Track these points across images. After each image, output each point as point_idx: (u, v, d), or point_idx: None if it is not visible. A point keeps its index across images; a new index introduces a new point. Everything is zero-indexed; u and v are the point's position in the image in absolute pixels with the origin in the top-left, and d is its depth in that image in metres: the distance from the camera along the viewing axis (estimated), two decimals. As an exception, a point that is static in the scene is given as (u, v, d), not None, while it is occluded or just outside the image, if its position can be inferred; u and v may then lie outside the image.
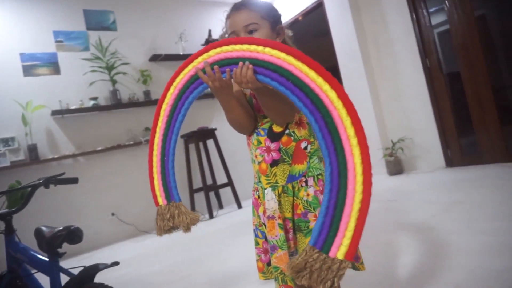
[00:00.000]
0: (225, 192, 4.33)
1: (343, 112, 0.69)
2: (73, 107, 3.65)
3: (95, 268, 1.22)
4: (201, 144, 4.18)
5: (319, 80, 0.70)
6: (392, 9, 3.90)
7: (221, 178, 4.29)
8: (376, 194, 3.21)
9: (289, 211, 0.94)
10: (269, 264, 0.99)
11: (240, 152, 4.69)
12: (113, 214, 3.76)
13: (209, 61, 0.83)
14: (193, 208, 4.10)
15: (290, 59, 0.73)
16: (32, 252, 1.36)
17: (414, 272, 1.52)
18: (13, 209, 1.43)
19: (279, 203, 0.94)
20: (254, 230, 1.04)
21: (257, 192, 1.02)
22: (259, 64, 0.77)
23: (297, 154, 0.95)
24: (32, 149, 3.41)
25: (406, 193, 3.00)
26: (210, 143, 4.24)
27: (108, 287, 1.19)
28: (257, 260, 1.04)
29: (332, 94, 0.70)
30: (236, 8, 0.98)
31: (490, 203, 2.22)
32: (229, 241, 2.73)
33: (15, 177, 3.11)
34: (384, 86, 4.13)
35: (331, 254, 0.67)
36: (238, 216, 3.70)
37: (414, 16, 3.73)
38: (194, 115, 4.43)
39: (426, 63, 3.74)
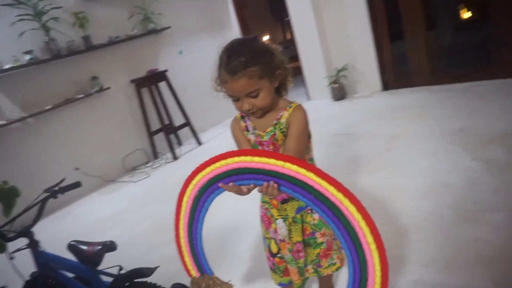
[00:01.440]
0: (182, 130, 4.46)
1: (362, 223, 0.79)
2: (7, 66, 3.32)
3: (140, 273, 1.47)
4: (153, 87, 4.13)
5: (339, 196, 0.78)
6: None
7: (177, 117, 4.38)
8: (324, 121, 3.63)
9: (299, 236, 1.11)
10: (271, 269, 1.23)
11: (191, 88, 4.73)
12: (76, 168, 3.79)
13: (227, 168, 0.90)
14: (154, 150, 4.26)
15: (311, 175, 0.79)
16: (67, 260, 1.54)
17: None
18: (31, 223, 1.55)
19: (289, 231, 1.11)
20: (264, 239, 1.24)
21: (268, 212, 1.16)
22: (280, 177, 0.83)
23: None
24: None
25: (352, 124, 3.44)
26: (162, 83, 4.20)
27: (155, 285, 1.47)
28: (267, 260, 1.25)
29: (352, 209, 0.79)
30: (232, 72, 0.97)
31: (422, 137, 2.72)
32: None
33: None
34: (329, 14, 4.24)
35: None
36: (202, 155, 3.97)
37: None
38: (140, 56, 4.26)
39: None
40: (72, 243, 1.51)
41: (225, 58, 0.99)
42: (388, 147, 2.73)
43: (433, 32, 4.55)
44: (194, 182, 0.97)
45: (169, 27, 4.40)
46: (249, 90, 0.98)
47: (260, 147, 1.10)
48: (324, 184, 0.79)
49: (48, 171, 3.56)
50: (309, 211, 1.13)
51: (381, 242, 0.79)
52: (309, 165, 0.81)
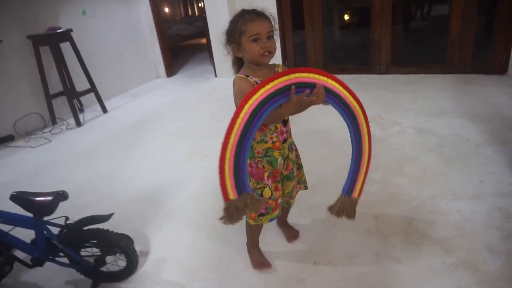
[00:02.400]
0: (85, 96, 4.23)
1: (359, 110, 1.19)
2: None
3: (94, 219, 1.54)
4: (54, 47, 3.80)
5: (350, 97, 1.16)
6: None
7: (80, 82, 4.13)
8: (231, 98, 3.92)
9: (284, 169, 1.42)
10: (261, 214, 1.44)
11: (96, 53, 4.48)
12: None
13: (297, 80, 1.08)
14: (52, 115, 3.96)
15: (340, 88, 1.14)
16: (7, 212, 1.51)
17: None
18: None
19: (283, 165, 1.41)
20: (252, 191, 1.41)
21: (260, 164, 1.35)
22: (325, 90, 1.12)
23: (290, 131, 1.40)
24: None
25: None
26: (65, 44, 3.89)
27: (108, 231, 1.55)
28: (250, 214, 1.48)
29: (355, 103, 1.17)
30: (259, 15, 1.21)
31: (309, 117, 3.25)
32: (123, 152, 3.03)
33: None
34: (240, -3, 4.51)
35: (352, 196, 1.26)
36: (108, 123, 3.88)
37: None
38: (38, 10, 3.84)
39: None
40: (16, 193, 1.49)
41: (251, 10, 1.22)
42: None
43: (326, 28, 5.25)
44: (255, 97, 1.05)
45: (73, -16, 4.07)
46: (270, 29, 1.21)
47: None
48: (345, 92, 1.16)
49: None
50: (291, 149, 1.44)
51: (368, 121, 1.23)
52: (341, 81, 1.14)
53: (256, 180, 1.39)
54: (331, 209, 1.29)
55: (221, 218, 1.09)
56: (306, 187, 1.60)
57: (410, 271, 1.46)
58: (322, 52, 4.50)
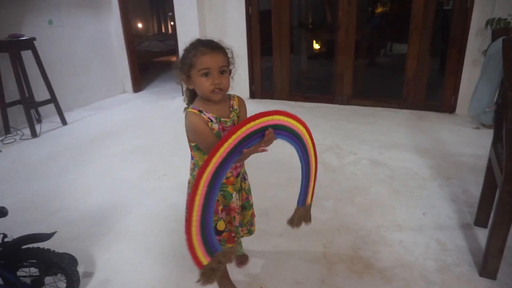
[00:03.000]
0: (44, 106, 4.09)
1: (307, 135, 1.23)
2: None
3: (35, 238, 1.48)
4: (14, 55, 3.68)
5: (298, 125, 1.18)
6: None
7: (39, 91, 4.00)
8: None
9: (240, 200, 1.41)
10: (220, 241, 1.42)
11: (59, 63, 4.38)
12: None
13: (243, 135, 1.03)
14: (6, 124, 3.79)
15: (288, 119, 1.15)
16: None
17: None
18: None
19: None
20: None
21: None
22: (278, 127, 1.12)
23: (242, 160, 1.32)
24: None
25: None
26: (26, 52, 3.78)
27: (49, 251, 1.49)
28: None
29: (302, 128, 1.19)
30: (213, 48, 1.16)
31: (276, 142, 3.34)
32: (77, 167, 2.94)
33: None
34: (212, 21, 4.61)
35: (306, 203, 1.35)
36: (67, 135, 3.76)
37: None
38: (0, 16, 3.74)
39: (248, 11, 4.43)
40: (-49, 208, 1.41)
41: (202, 41, 1.19)
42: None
43: (294, 57, 5.45)
44: (213, 162, 0.99)
45: (41, -8, 4.01)
46: (222, 64, 1.17)
47: (224, 133, 1.22)
48: (298, 125, 1.19)
49: None
50: (243, 179, 1.42)
51: (315, 148, 1.29)
52: (285, 112, 1.13)
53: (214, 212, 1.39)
54: (290, 222, 1.35)
55: (198, 281, 1.06)
56: (250, 232, 1.57)
57: (351, 300, 1.51)
58: (288, 79, 4.65)
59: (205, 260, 1.05)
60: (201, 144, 1.22)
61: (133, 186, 2.60)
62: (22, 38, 3.68)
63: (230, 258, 1.10)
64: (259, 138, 1.08)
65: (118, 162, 3.03)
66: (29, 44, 3.72)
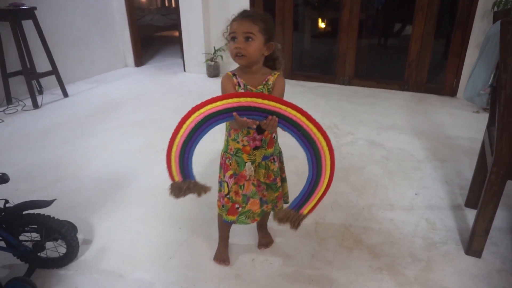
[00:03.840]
0: (45, 77, 4.10)
1: (324, 144, 1.15)
2: None
3: (35, 204, 1.53)
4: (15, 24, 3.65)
5: (315, 130, 1.13)
6: None
7: (40, 62, 3.99)
8: (200, 94, 3.92)
9: (264, 177, 1.42)
10: (223, 206, 1.47)
11: (61, 33, 4.35)
12: None
13: (240, 104, 1.08)
14: (8, 94, 3.80)
15: (303, 118, 1.11)
16: None
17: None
18: None
19: (255, 172, 1.40)
20: (219, 182, 1.46)
21: (228, 160, 1.40)
22: (280, 117, 1.11)
23: (270, 141, 1.37)
24: None
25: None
26: (27, 23, 3.75)
27: (49, 217, 1.55)
28: (217, 199, 1.49)
29: (320, 136, 1.14)
30: (242, 15, 1.22)
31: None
32: (77, 139, 2.97)
33: None
34: (214, -5, 4.54)
35: (301, 211, 1.27)
36: (68, 107, 3.78)
37: None
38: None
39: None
40: (-47, 173, 1.45)
41: (243, 11, 1.25)
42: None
43: (297, 35, 5.38)
44: (200, 111, 1.10)
45: (41, -40, 3.93)
46: (247, 30, 1.20)
47: None
48: (309, 124, 1.12)
49: None
50: (272, 160, 1.42)
51: (333, 152, 1.18)
52: (302, 110, 1.10)
53: (224, 173, 1.44)
54: (275, 214, 1.32)
55: (168, 189, 1.22)
56: (286, 201, 1.58)
57: (339, 272, 1.57)
58: (291, 58, 4.62)
59: (177, 177, 1.21)
60: None
61: (133, 159, 2.64)
62: (23, 7, 3.64)
63: (198, 192, 1.22)
64: (261, 117, 1.12)
65: (118, 136, 3.06)
66: (30, 13, 3.68)
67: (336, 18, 4.36)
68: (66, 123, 3.35)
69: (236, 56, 1.24)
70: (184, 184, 1.21)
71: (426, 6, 3.75)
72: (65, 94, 4.09)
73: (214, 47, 4.64)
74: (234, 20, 1.24)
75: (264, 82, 1.31)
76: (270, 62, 1.37)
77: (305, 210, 1.28)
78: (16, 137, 3.05)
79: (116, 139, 3.00)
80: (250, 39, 1.21)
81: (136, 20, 5.50)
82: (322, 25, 6.32)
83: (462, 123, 3.21)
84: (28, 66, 3.82)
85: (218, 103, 1.09)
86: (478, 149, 1.93)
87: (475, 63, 1.74)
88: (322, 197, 1.27)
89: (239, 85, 1.30)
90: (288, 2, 4.38)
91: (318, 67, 5.21)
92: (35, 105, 3.73)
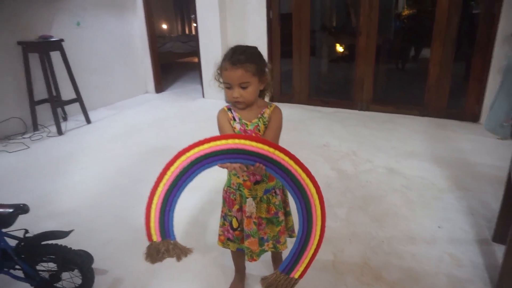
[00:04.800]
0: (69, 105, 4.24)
1: (313, 191, 1.07)
2: None
3: (54, 235, 1.55)
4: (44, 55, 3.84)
5: (303, 175, 1.06)
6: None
7: (65, 90, 4.15)
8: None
9: (264, 212, 1.37)
10: (229, 239, 1.46)
11: (85, 62, 4.53)
12: None
13: (226, 147, 1.03)
14: (35, 121, 3.96)
15: (290, 161, 1.04)
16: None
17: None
18: None
19: (256, 208, 1.36)
20: (223, 216, 1.45)
21: (233, 195, 1.39)
22: (268, 160, 1.04)
23: (271, 175, 1.30)
24: None
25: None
26: (54, 53, 3.93)
27: (66, 248, 1.57)
28: (219, 235, 1.48)
29: (309, 182, 1.06)
30: (233, 63, 1.20)
31: (296, 147, 3.34)
32: (97, 166, 3.03)
33: None
34: (233, 24, 4.66)
35: (291, 275, 1.15)
36: (91, 133, 3.89)
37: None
38: (31, 18, 3.90)
39: (269, 14, 4.46)
40: (-23, 203, 1.50)
41: (231, 53, 1.24)
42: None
43: (314, 60, 5.43)
44: (186, 155, 1.04)
45: (70, -5, 4.16)
46: (242, 80, 1.21)
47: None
48: (297, 168, 1.05)
49: None
50: (274, 194, 1.39)
51: (324, 207, 1.09)
52: (290, 154, 1.04)
53: (228, 208, 1.43)
54: (262, 280, 1.20)
55: (144, 255, 1.11)
56: (290, 236, 1.51)
57: (357, 311, 1.51)
58: (308, 83, 4.64)
59: (155, 237, 1.09)
60: None
61: (150, 188, 2.66)
62: (52, 39, 3.83)
63: (177, 255, 1.10)
64: (249, 161, 1.07)
65: (137, 163, 3.11)
66: (58, 45, 3.87)
67: (354, 44, 4.38)
68: (88, 149, 3.44)
69: (235, 103, 1.27)
70: (163, 245, 1.10)
71: (445, 29, 3.73)
72: (88, 121, 4.22)
73: (232, 74, 4.72)
74: (225, 69, 1.23)
75: (259, 116, 1.31)
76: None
77: (296, 273, 1.15)
78: (39, 163, 3.15)
79: (136, 166, 3.04)
80: (245, 87, 1.23)
81: (157, 47, 5.69)
82: (339, 49, 6.37)
83: (485, 150, 3.11)
84: (54, 94, 3.98)
85: (205, 145, 1.04)
86: (504, 177, 1.85)
87: (496, 94, 1.70)
88: (314, 256, 1.14)
89: (234, 119, 1.30)
90: (304, 29, 4.44)
91: (335, 92, 5.21)
92: (59, 132, 3.86)
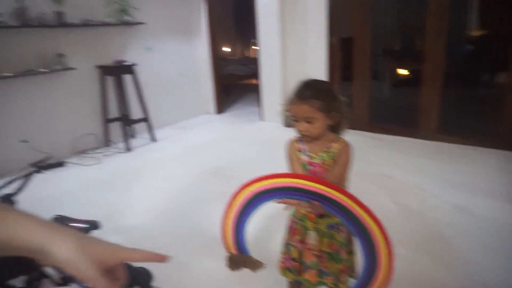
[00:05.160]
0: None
1: (379, 234, 1.01)
2: (-28, 24, 3.19)
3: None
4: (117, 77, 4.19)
5: (366, 216, 1.01)
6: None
7: (134, 109, 4.46)
8: (277, 143, 3.87)
9: (326, 247, 1.35)
10: (288, 268, 1.45)
11: (152, 83, 4.85)
12: (24, 141, 3.67)
13: (288, 184, 1.07)
14: (107, 138, 4.29)
15: (350, 202, 1.02)
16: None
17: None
18: (14, 192, 1.65)
19: (319, 241, 1.35)
20: (286, 244, 1.45)
21: (296, 225, 1.40)
22: (327, 200, 1.04)
23: None
24: None
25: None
26: (127, 75, 4.27)
27: (138, 268, 1.65)
28: (281, 262, 1.47)
29: (374, 226, 1.01)
30: (299, 97, 1.25)
31: (355, 176, 3.24)
32: (160, 184, 3.19)
33: None
34: (293, 48, 4.73)
35: None
36: (155, 151, 4.13)
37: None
38: (109, 44, 4.29)
39: (329, 39, 4.46)
40: (57, 216, 1.64)
41: (300, 88, 1.30)
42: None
43: (375, 85, 5.28)
44: (252, 187, 1.11)
45: (143, 23, 4.50)
46: (306, 115, 1.25)
47: (310, 167, 1.33)
48: (357, 208, 1.02)
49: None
50: (338, 230, 1.36)
51: (392, 251, 1.03)
52: (351, 194, 1.02)
53: (291, 236, 1.43)
54: None
55: (225, 261, 1.23)
56: (351, 276, 1.44)
57: None
58: (368, 108, 4.52)
59: (232, 249, 1.21)
60: (289, 167, 1.39)
61: (207, 208, 2.73)
62: (126, 64, 4.17)
63: (252, 267, 1.19)
64: (307, 199, 1.08)
65: (197, 182, 3.22)
66: (130, 69, 4.20)
67: (418, 68, 4.20)
68: (152, 167, 3.64)
69: (302, 135, 1.31)
70: (240, 258, 1.21)
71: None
72: (153, 139, 4.48)
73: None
74: (292, 102, 1.28)
75: (327, 149, 1.31)
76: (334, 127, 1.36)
77: None
78: (109, 178, 3.39)
79: (195, 186, 3.15)
80: (311, 123, 1.26)
81: (219, 70, 5.93)
82: (403, 73, 6.14)
83: None
84: (125, 113, 4.30)
85: (265, 182, 1.09)
86: None
87: None
88: None
89: (300, 151, 1.35)
90: (365, 52, 4.36)
91: (398, 118, 4.99)
92: (128, 148, 4.14)
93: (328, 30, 4.44)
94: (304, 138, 1.32)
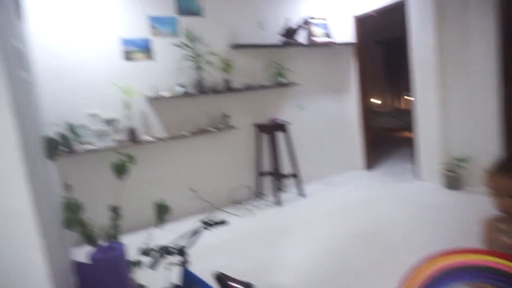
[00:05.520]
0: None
1: None
2: (164, 93, 3.98)
3: None
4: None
5: None
6: (478, 27, 3.87)
7: (285, 165, 4.68)
8: (435, 208, 2.95)
9: None
10: None
11: (302, 139, 5.03)
12: (193, 190, 4.22)
13: (489, 265, 0.93)
14: (259, 190, 4.58)
15: None
16: (207, 285, 1.81)
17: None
18: (187, 245, 1.85)
19: None
20: None
21: None
22: None
23: None
24: (132, 131, 3.82)
25: (465, 219, 3.27)
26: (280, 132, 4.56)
27: None
28: None
29: None
30: (505, 172, 1.17)
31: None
32: (307, 244, 3.16)
33: (114, 156, 3.55)
34: (454, 102, 4.23)
35: None
36: (305, 207, 4.18)
37: (500, 42, 3.73)
38: (265, 103, 4.72)
39: (504, 91, 3.81)
40: (219, 274, 1.77)
41: (507, 159, 1.23)
42: None
43: None
44: (434, 263, 1.01)
45: (298, 84, 4.82)
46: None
47: None
48: None
49: (166, 185, 4.10)
50: None
51: None
52: None
53: None
54: None
55: None
56: None
57: None
58: None
59: None
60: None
61: (363, 281, 2.52)
62: (280, 123, 4.47)
63: None
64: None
65: (345, 246, 3.05)
66: (283, 127, 4.47)
67: None
68: (301, 225, 3.66)
69: (506, 213, 1.19)
70: None
71: None
72: (302, 194, 4.55)
73: (453, 157, 4.19)
74: (494, 174, 1.19)
75: None
76: None
77: None
78: (260, 231, 3.55)
79: (342, 250, 2.99)
80: None
81: (369, 124, 5.74)
82: None
83: None
84: (277, 168, 4.54)
85: (455, 257, 0.97)
86: None
87: None
88: None
89: (503, 232, 1.20)
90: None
91: None
92: (278, 202, 4.30)
93: (501, 78, 3.83)
94: (509, 217, 1.18)
